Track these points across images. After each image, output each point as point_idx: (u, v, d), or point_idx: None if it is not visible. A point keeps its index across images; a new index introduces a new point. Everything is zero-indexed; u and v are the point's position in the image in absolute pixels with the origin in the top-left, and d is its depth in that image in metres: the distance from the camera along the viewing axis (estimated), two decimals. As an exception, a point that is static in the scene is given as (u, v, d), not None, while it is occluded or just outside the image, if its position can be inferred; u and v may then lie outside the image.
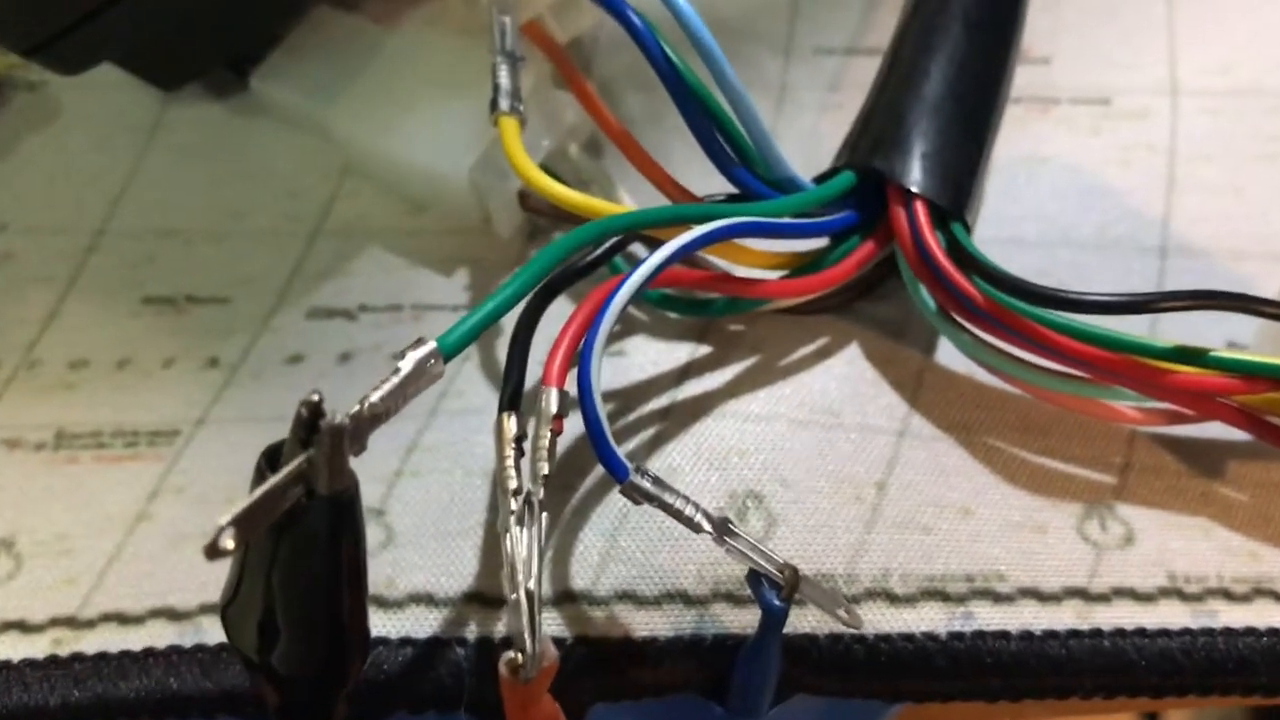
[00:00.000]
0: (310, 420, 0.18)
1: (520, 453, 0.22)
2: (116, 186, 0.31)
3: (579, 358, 0.22)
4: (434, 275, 0.29)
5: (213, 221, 0.30)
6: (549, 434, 0.22)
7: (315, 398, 0.18)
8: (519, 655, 0.20)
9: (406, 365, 0.20)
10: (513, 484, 0.22)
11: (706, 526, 0.22)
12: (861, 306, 0.28)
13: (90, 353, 0.28)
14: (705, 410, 0.26)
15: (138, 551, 0.25)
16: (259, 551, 0.19)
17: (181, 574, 0.24)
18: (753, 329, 0.28)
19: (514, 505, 0.21)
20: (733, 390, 0.27)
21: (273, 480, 0.17)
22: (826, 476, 0.25)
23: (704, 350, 0.27)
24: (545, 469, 0.21)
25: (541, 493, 0.21)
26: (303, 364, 0.28)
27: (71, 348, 0.28)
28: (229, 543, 0.17)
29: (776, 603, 0.22)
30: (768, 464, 0.25)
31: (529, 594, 0.20)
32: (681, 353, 0.27)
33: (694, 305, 0.28)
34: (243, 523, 0.17)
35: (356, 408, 0.19)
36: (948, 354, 0.27)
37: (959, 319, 0.26)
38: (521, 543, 0.21)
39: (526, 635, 0.20)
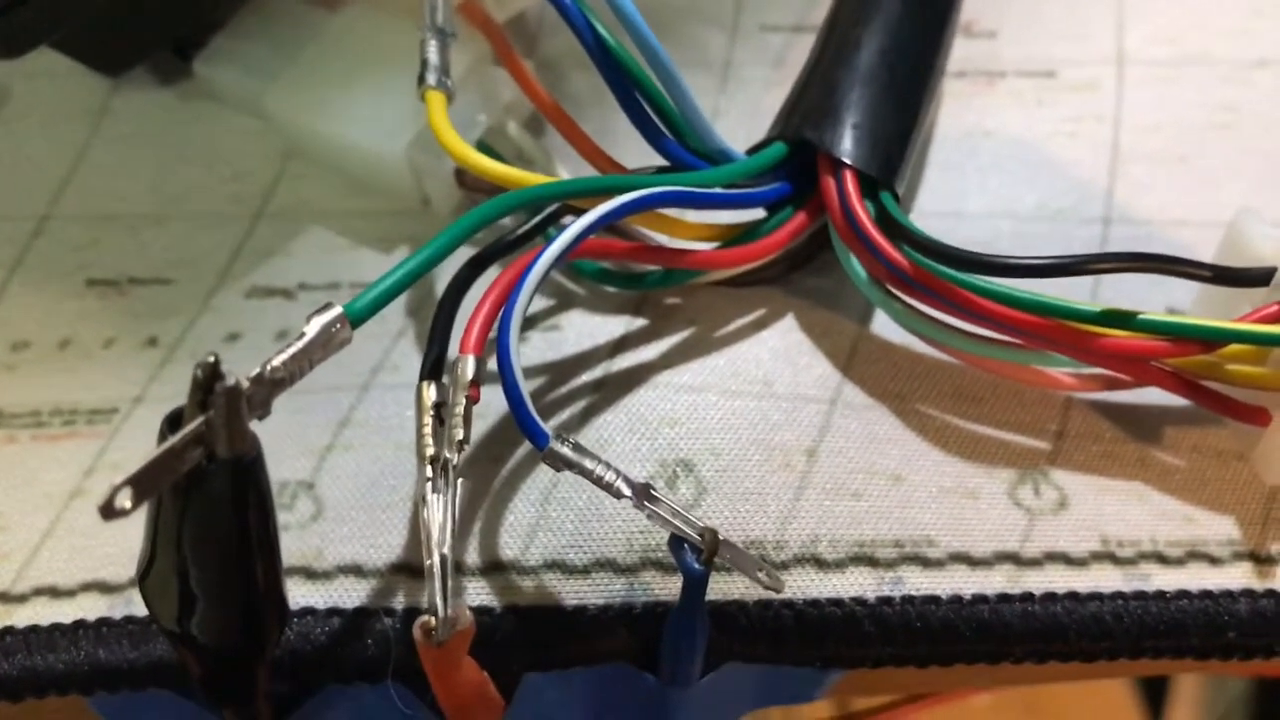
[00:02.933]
0: (207, 382, 0.18)
1: (440, 421, 0.22)
2: (62, 172, 0.31)
3: (499, 326, 0.23)
4: (374, 254, 0.29)
5: (157, 205, 0.30)
6: (465, 401, 0.22)
7: (210, 359, 0.18)
8: (432, 619, 0.20)
9: (311, 329, 0.20)
10: (430, 451, 0.22)
11: (627, 492, 0.22)
12: (797, 278, 0.28)
13: (32, 335, 0.28)
14: (638, 382, 0.26)
15: (72, 527, 0.25)
16: (168, 518, 0.19)
17: (115, 549, 0.24)
18: (689, 301, 0.28)
19: (429, 472, 0.21)
20: (666, 362, 0.27)
21: (170, 440, 0.18)
22: (756, 445, 0.25)
23: (639, 323, 0.28)
24: (460, 435, 0.22)
25: (456, 459, 0.21)
26: (240, 341, 0.28)
27: (13, 330, 0.28)
28: (125, 503, 0.17)
29: (697, 566, 0.22)
30: (698, 433, 0.25)
31: (443, 558, 0.20)
32: (616, 326, 0.27)
33: (629, 279, 0.28)
34: (139, 483, 0.17)
35: (256, 370, 0.19)
36: (883, 325, 0.28)
37: (890, 288, 0.26)
38: (436, 509, 0.21)
39: (439, 600, 0.20)
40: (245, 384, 0.18)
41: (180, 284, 0.29)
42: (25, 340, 0.28)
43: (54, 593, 0.24)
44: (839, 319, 0.28)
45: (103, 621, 0.24)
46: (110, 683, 0.23)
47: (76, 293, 0.29)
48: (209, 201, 0.30)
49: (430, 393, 0.22)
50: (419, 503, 0.21)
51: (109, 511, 0.17)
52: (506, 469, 0.25)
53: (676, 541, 0.22)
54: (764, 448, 0.25)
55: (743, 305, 0.28)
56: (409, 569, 0.24)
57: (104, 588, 0.24)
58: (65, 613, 0.24)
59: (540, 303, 0.28)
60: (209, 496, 0.19)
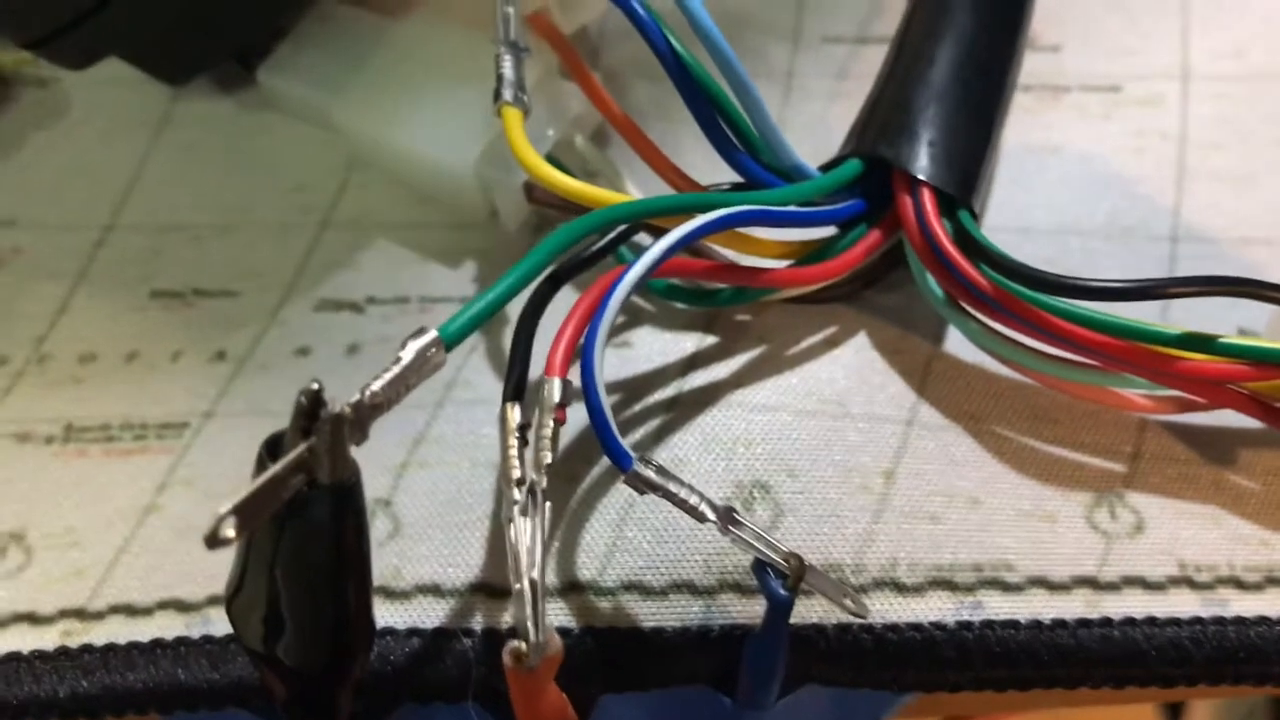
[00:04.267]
0: (310, 409, 0.18)
1: (524, 443, 0.22)
2: (125, 182, 0.31)
3: (582, 348, 0.22)
4: (441, 268, 0.29)
5: (220, 215, 0.30)
6: (552, 423, 0.22)
7: (315, 386, 0.18)
8: (523, 644, 0.20)
9: (407, 354, 0.20)
10: (516, 474, 0.21)
11: (711, 516, 0.22)
12: (870, 296, 0.28)
13: (99, 347, 0.28)
14: (711, 401, 0.26)
15: (146, 544, 0.25)
16: (262, 542, 0.19)
17: (190, 566, 0.24)
18: (759, 319, 0.28)
19: (517, 495, 0.21)
20: (739, 380, 0.27)
21: (274, 469, 0.17)
22: (833, 466, 0.25)
23: (710, 341, 0.27)
24: (548, 458, 0.21)
25: (545, 482, 0.21)
26: (310, 356, 0.28)
27: (80, 342, 0.28)
28: (230, 532, 0.17)
29: (782, 592, 0.22)
30: (774, 454, 0.25)
31: (533, 583, 0.20)
32: (688, 343, 0.27)
33: (700, 296, 0.28)
34: (244, 511, 0.17)
35: (357, 397, 0.19)
36: (956, 343, 0.27)
37: (967, 307, 0.26)
38: (525, 532, 0.21)
39: (530, 624, 0.20)
40: (348, 411, 0.18)
41: (246, 296, 0.29)
42: (92, 353, 0.28)
43: (130, 611, 0.24)
44: (912, 338, 0.28)
45: (180, 641, 0.24)
46: (189, 702, 0.23)
47: (141, 305, 0.29)
48: (272, 212, 0.30)
49: (514, 414, 0.22)
50: (505, 525, 0.21)
51: (214, 541, 0.17)
52: (582, 488, 0.25)
53: (760, 566, 0.22)
54: (841, 469, 0.25)
55: (814, 323, 0.28)
56: (488, 589, 0.24)
57: (180, 606, 0.24)
58: (142, 631, 0.24)
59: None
60: (309, 523, 0.18)
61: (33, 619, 0.24)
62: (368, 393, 0.19)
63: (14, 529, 0.25)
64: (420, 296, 0.29)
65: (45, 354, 0.28)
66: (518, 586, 0.20)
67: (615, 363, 0.27)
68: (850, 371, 0.27)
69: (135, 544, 0.25)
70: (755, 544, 0.22)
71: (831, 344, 0.27)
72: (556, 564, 0.24)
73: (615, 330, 0.28)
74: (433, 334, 0.20)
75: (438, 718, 0.24)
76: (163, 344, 0.28)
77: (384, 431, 0.26)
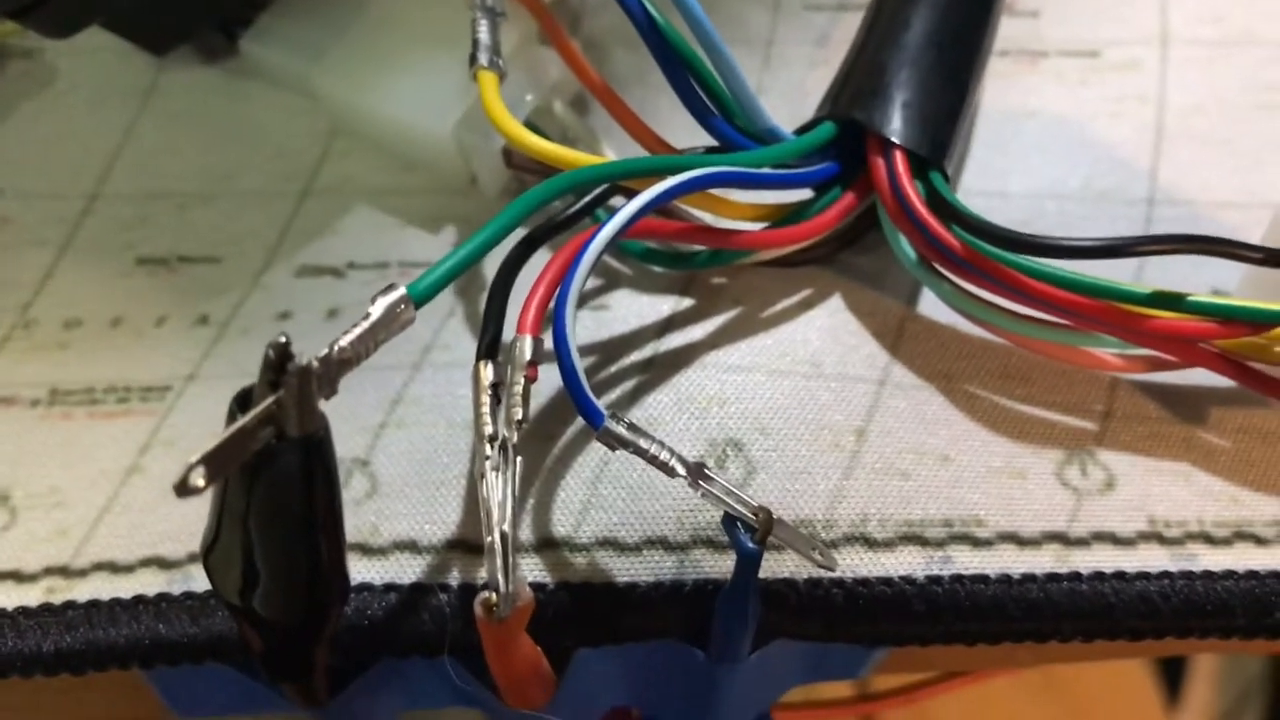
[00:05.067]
0: (278, 362, 0.18)
1: (496, 400, 0.22)
2: (110, 150, 0.31)
3: (554, 307, 0.23)
4: (422, 233, 0.29)
5: (204, 184, 0.31)
6: (523, 380, 0.22)
7: (283, 339, 0.18)
8: (493, 595, 0.20)
9: (376, 310, 0.20)
10: (488, 430, 0.22)
11: (681, 471, 0.22)
12: (845, 258, 0.28)
13: (84, 312, 0.28)
14: (686, 362, 0.27)
15: (129, 503, 0.25)
16: (234, 495, 0.19)
17: (172, 525, 0.25)
18: (735, 282, 0.28)
19: (489, 451, 0.21)
20: (714, 342, 0.27)
21: (242, 420, 0.18)
22: (806, 424, 0.26)
23: (686, 303, 0.28)
24: (519, 414, 0.22)
25: (515, 438, 0.22)
26: (291, 320, 0.28)
27: (66, 308, 0.28)
28: (199, 481, 0.17)
29: (750, 545, 0.22)
30: (747, 413, 0.26)
31: (503, 535, 0.20)
32: (664, 306, 0.28)
33: (677, 259, 0.28)
34: (212, 461, 0.17)
35: (325, 351, 0.19)
36: (930, 305, 0.28)
37: (939, 268, 0.26)
38: (496, 487, 0.21)
39: (500, 576, 0.20)
40: (315, 364, 0.18)
41: (229, 262, 0.29)
42: (78, 318, 0.28)
43: (113, 568, 0.24)
44: (886, 299, 0.28)
45: (162, 597, 0.24)
46: (170, 657, 0.23)
47: (126, 271, 0.29)
48: (256, 180, 0.31)
49: (487, 373, 0.23)
50: (478, 481, 0.21)
51: (183, 489, 0.17)
52: (559, 447, 0.25)
53: (730, 520, 0.22)
54: (813, 427, 0.26)
55: (789, 285, 0.28)
56: (464, 545, 0.24)
57: (162, 563, 0.24)
58: (125, 588, 0.24)
59: (588, 282, 0.28)
60: (278, 474, 0.19)
61: (17, 577, 0.24)
62: (336, 347, 0.19)
63: (-1, 491, 0.25)
64: (400, 261, 0.29)
65: (31, 319, 0.28)
66: (489, 539, 0.21)
67: (592, 325, 0.27)
68: (824, 333, 0.27)
69: (118, 504, 0.25)
70: (725, 498, 0.22)
71: (806, 306, 0.28)
72: (532, 521, 0.25)
73: (592, 293, 0.28)
74: (401, 291, 0.20)
75: (414, 672, 0.25)
76: (147, 309, 0.28)
77: (362, 393, 0.26)
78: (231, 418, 0.19)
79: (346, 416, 0.26)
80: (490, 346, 0.23)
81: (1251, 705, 0.80)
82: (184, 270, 0.29)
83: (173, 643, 0.23)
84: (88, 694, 0.26)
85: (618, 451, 0.22)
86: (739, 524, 0.22)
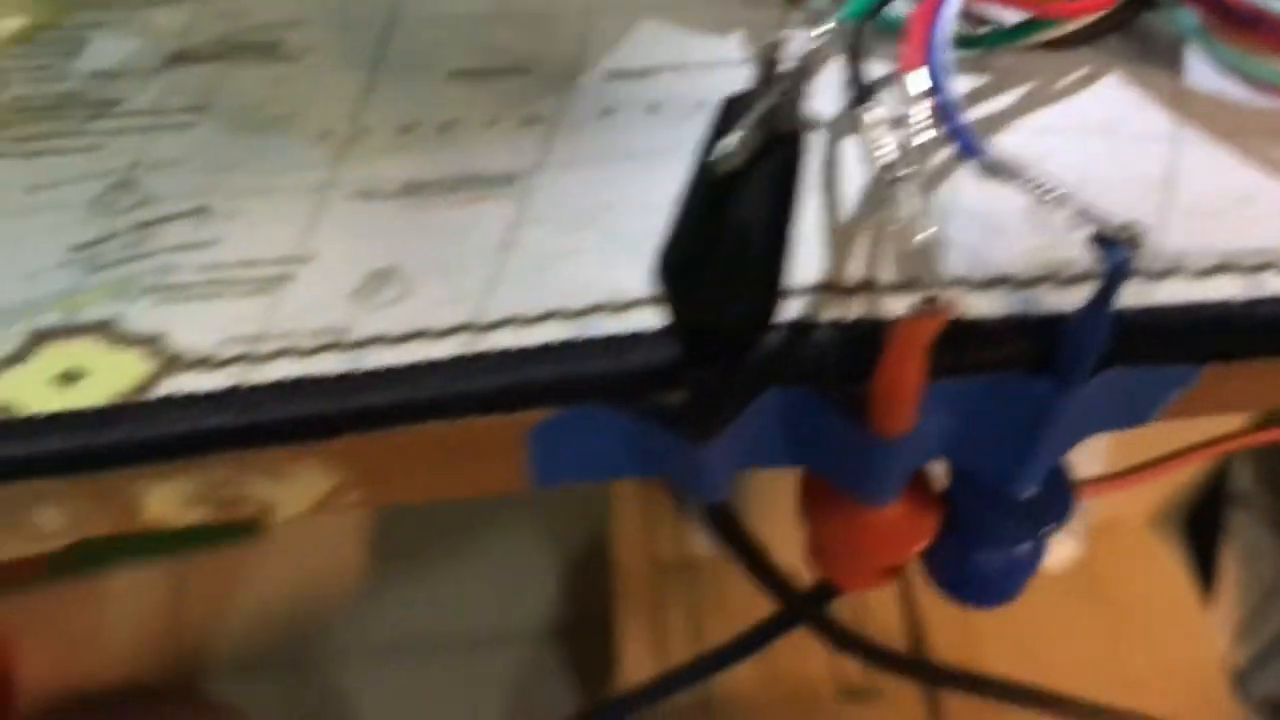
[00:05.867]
0: (769, 61, 0.20)
1: (894, 133, 0.25)
2: (401, -20, 0.33)
3: (929, 46, 0.25)
4: (711, 38, 0.31)
5: (495, 5, 0.32)
6: (917, 115, 0.24)
7: (778, 39, 0.20)
8: (930, 296, 0.23)
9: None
10: (889, 158, 0.24)
11: (1049, 196, 0.24)
12: (1111, 43, 0.31)
13: (414, 117, 0.30)
14: (998, 127, 0.29)
15: (515, 272, 0.27)
16: (707, 192, 0.21)
17: (563, 285, 0.27)
18: (1021, 60, 0.30)
19: (897, 172, 0.24)
20: (1017, 111, 0.29)
21: (767, 97, 0.20)
22: (1115, 177, 0.28)
23: (983, 79, 0.30)
24: (919, 141, 0.24)
25: (914, 167, 0.24)
26: (614, 116, 0.30)
27: (396, 116, 0.30)
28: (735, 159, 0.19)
29: (1117, 257, 0.25)
30: (1067, 166, 0.28)
31: (926, 243, 0.23)
32: (961, 85, 0.30)
33: (968, 42, 0.30)
34: (743, 142, 0.19)
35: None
36: (1205, 75, 0.30)
37: (1221, 34, 0.29)
38: (907, 204, 0.23)
39: (929, 280, 0.23)
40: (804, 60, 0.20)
41: (538, 72, 0.31)
42: (411, 123, 0.30)
43: (518, 321, 0.26)
44: (1158, 72, 0.30)
45: (566, 343, 0.26)
46: (579, 394, 0.25)
47: (442, 83, 0.31)
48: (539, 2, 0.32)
49: (875, 112, 0.25)
50: (888, 205, 0.23)
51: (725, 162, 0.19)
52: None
53: (1093, 237, 0.25)
54: (1120, 181, 0.28)
55: (1068, 64, 0.30)
56: (830, 286, 0.26)
57: (564, 314, 0.26)
58: (532, 337, 0.26)
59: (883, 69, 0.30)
60: (778, 166, 0.21)
61: (426, 334, 0.26)
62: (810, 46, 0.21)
63: (384, 266, 0.27)
64: (700, 63, 0.31)
65: (364, 127, 0.30)
66: (915, 243, 0.23)
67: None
68: (1110, 102, 0.30)
69: (506, 272, 0.27)
70: (1091, 216, 0.24)
71: (1089, 80, 0.30)
72: (893, 260, 0.27)
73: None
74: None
75: (789, 401, 0.27)
76: (475, 112, 0.30)
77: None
78: (725, 117, 0.21)
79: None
80: (866, 87, 0.25)
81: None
82: (497, 80, 0.31)
83: (588, 378, 0.25)
84: (465, 463, 0.28)
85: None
86: (1103, 240, 0.25)
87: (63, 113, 0.31)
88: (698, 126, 0.29)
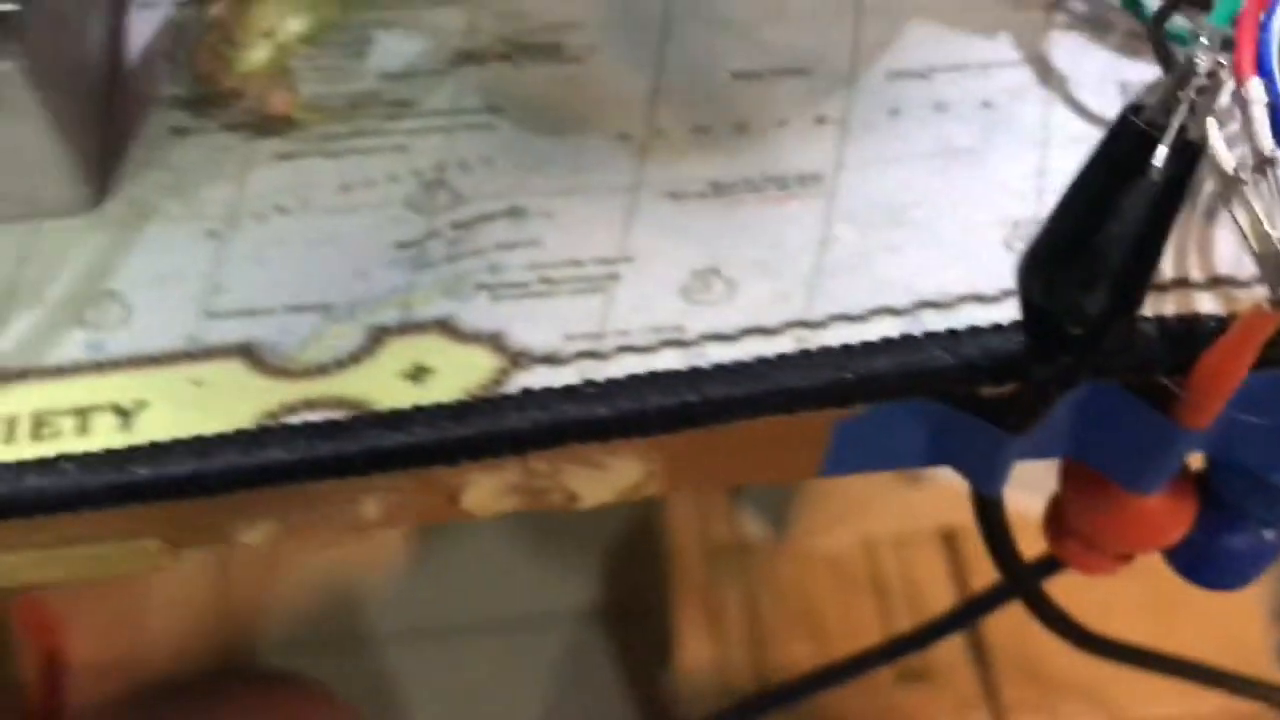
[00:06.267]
0: (1183, 75, 0.21)
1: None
2: (667, -17, 0.34)
3: (1260, 50, 0.26)
4: (981, 39, 0.32)
5: (767, 6, 0.33)
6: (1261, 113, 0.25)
7: (1204, 51, 0.21)
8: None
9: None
10: (1231, 161, 0.25)
11: None
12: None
13: (707, 119, 0.31)
14: None
15: (833, 268, 0.28)
16: (1100, 195, 0.22)
17: (889, 277, 0.28)
18: None
19: (1245, 176, 0.25)
20: None
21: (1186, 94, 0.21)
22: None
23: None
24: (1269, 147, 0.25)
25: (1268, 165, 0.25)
26: (902, 115, 0.31)
27: (687, 117, 0.31)
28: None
29: None
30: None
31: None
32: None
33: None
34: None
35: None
36: None
37: None
38: (1260, 202, 0.24)
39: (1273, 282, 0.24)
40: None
41: (818, 73, 0.32)
42: (704, 125, 0.31)
43: (847, 318, 0.27)
44: None
45: (889, 340, 0.27)
46: (918, 388, 0.27)
47: (724, 84, 0.32)
48: (806, 3, 0.33)
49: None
50: (1236, 205, 0.24)
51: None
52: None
53: None
54: None
55: None
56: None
57: (892, 311, 0.27)
58: (861, 334, 0.27)
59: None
60: (1176, 173, 0.22)
61: (762, 331, 0.27)
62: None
63: (707, 265, 0.28)
64: (978, 63, 0.32)
65: (659, 129, 0.31)
66: (1266, 250, 0.24)
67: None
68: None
69: (825, 271, 0.28)
70: None
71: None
72: (1199, 259, 0.28)
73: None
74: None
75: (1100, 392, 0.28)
76: (764, 114, 0.31)
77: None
78: (1121, 124, 0.22)
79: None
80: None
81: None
82: (778, 82, 0.32)
83: (930, 371, 0.26)
84: (767, 454, 0.30)
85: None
86: None
87: (361, 112, 0.32)
88: (988, 126, 0.30)
